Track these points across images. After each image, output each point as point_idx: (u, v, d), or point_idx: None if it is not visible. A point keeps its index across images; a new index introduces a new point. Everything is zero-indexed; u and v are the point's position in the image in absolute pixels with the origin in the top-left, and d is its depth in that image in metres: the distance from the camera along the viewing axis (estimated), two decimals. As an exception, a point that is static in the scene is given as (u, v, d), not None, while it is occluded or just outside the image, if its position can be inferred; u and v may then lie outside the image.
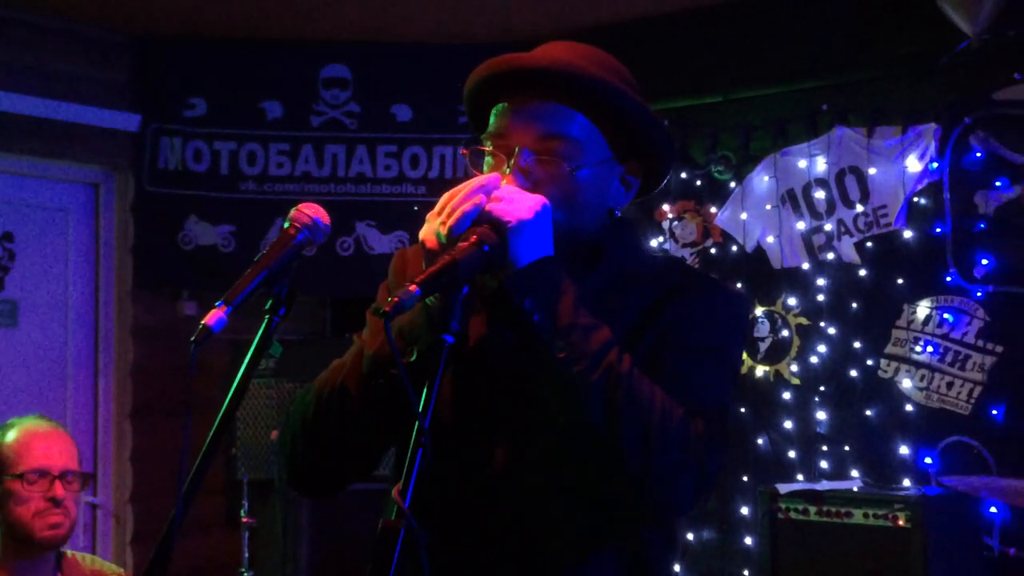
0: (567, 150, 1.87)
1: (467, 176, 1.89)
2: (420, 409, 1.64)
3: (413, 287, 1.62)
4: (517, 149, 1.87)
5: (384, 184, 5.51)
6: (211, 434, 1.74)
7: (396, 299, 1.59)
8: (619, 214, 2.01)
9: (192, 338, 1.68)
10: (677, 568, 4.74)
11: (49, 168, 5.19)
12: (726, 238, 5.01)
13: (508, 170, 1.85)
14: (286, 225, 1.83)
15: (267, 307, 1.81)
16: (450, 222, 1.75)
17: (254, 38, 5.34)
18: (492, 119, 1.93)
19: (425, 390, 1.67)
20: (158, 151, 5.37)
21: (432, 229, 1.78)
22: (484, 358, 1.90)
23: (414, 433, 1.62)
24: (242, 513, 4.73)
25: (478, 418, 1.89)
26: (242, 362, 1.76)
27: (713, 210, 5.03)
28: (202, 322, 1.68)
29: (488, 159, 1.91)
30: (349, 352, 1.94)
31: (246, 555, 4.70)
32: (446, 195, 1.79)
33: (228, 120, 5.42)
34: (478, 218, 1.74)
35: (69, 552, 3.18)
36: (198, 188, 5.39)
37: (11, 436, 3.09)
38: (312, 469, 1.98)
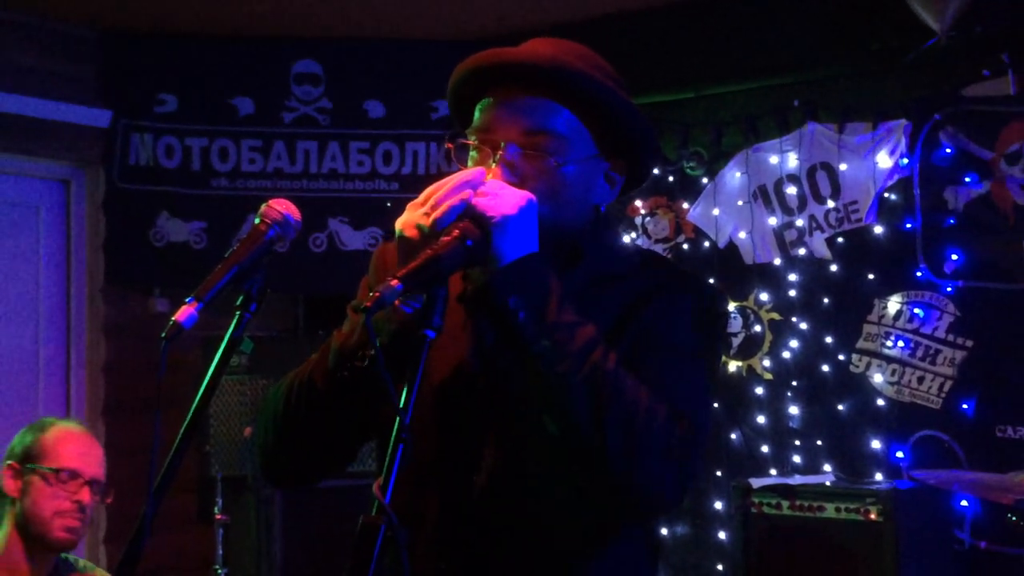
0: (553, 145, 1.85)
1: (441, 172, 1.87)
2: (401, 405, 1.62)
3: (395, 282, 1.60)
4: (503, 143, 1.85)
5: (357, 180, 5.50)
6: (182, 431, 1.74)
7: (377, 294, 1.58)
8: (603, 208, 1.99)
9: (163, 335, 1.68)
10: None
11: (18, 164, 5.16)
12: (698, 234, 5.02)
13: (494, 164, 1.83)
14: (257, 221, 1.83)
15: (238, 303, 1.80)
16: (435, 214, 1.73)
17: (225, 34, 5.32)
18: (477, 113, 1.91)
19: (406, 386, 1.65)
20: (129, 147, 5.34)
21: (413, 220, 1.76)
22: (466, 357, 1.89)
23: (395, 429, 1.60)
24: (216, 510, 4.72)
25: (462, 418, 1.88)
26: (213, 359, 1.76)
27: (685, 206, 5.04)
28: (173, 319, 1.67)
29: (473, 153, 1.90)
30: (322, 347, 1.93)
31: (220, 552, 4.69)
32: (431, 187, 1.78)
33: (199, 116, 5.40)
34: (463, 212, 1.73)
35: (67, 556, 3.15)
36: (169, 184, 5.37)
37: (49, 431, 3.09)
38: (283, 461, 1.98)
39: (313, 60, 5.48)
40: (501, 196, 1.76)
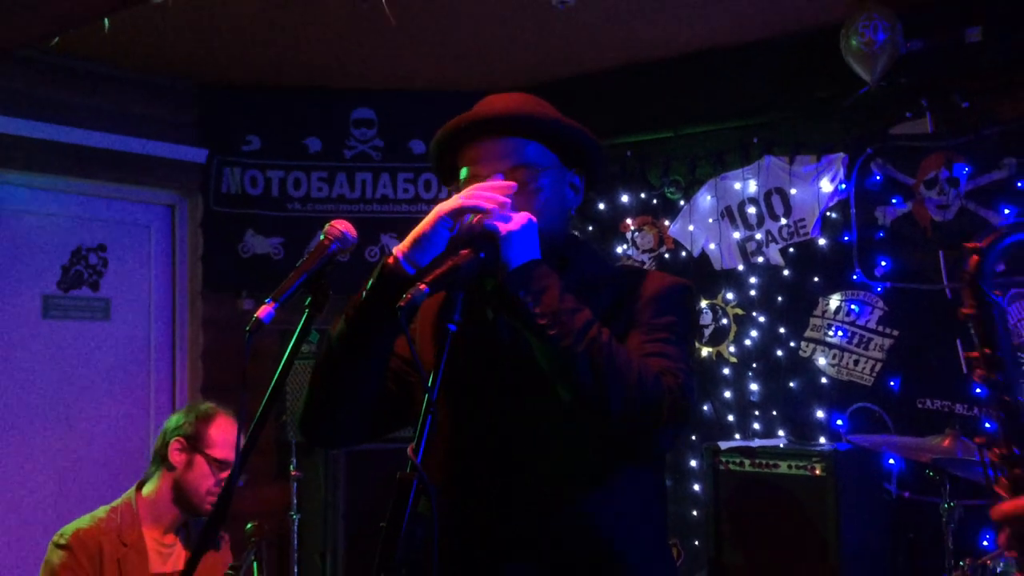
0: (530, 173, 1.92)
1: None
2: (430, 384, 1.64)
3: (423, 286, 1.64)
4: (486, 176, 1.91)
5: (403, 204, 5.51)
6: (263, 404, 1.77)
7: (409, 296, 1.62)
8: (574, 212, 2.04)
9: (247, 328, 1.70)
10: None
11: (134, 192, 5.19)
12: (677, 245, 5.02)
13: None
14: (322, 237, 1.86)
15: (307, 303, 1.83)
16: (434, 218, 1.85)
17: (298, 86, 5.34)
18: (464, 166, 1.95)
19: (433, 370, 1.67)
20: (221, 178, 5.36)
21: (429, 218, 1.86)
22: (495, 339, 1.93)
23: (425, 403, 1.63)
24: (291, 467, 4.74)
25: (492, 386, 1.91)
26: (287, 347, 1.78)
27: (666, 223, 5.04)
28: (255, 315, 1.71)
29: None
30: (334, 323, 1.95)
31: (294, 501, 4.71)
32: (472, 187, 1.85)
33: (278, 153, 5.42)
34: (482, 231, 1.77)
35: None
36: (254, 208, 5.39)
37: (215, 422, 3.07)
38: (312, 421, 1.97)
39: (368, 108, 5.50)
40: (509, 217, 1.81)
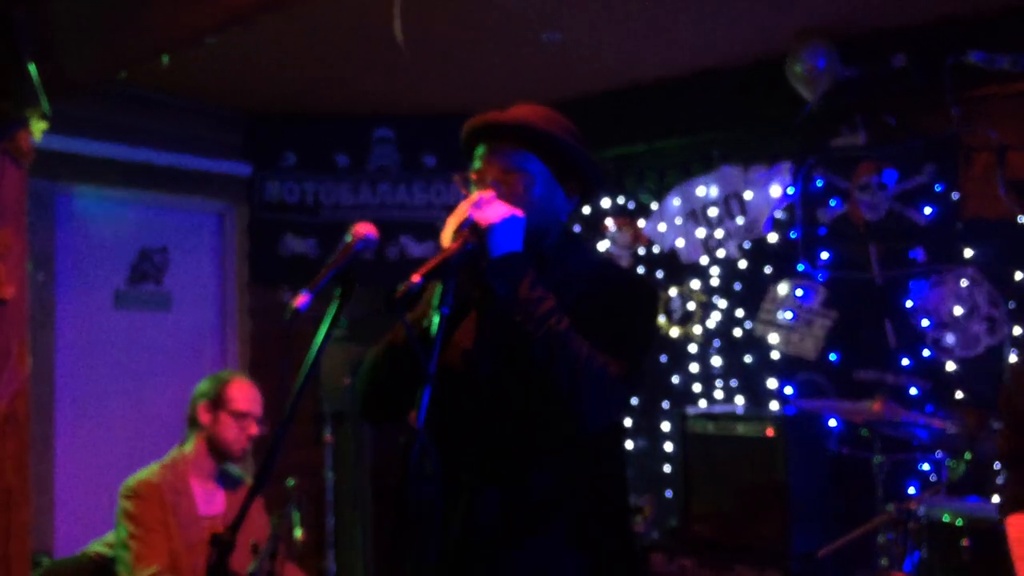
0: (524, 179, 1.91)
1: None
2: (429, 359, 1.63)
3: (416, 277, 1.65)
4: (490, 178, 1.90)
5: (419, 209, 5.52)
6: (301, 380, 1.77)
7: (405, 287, 1.63)
8: (564, 218, 2.00)
9: (286, 316, 1.70)
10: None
11: (191, 202, 5.20)
12: (650, 242, 5.03)
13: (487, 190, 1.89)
14: (348, 238, 1.85)
15: (337, 294, 1.82)
16: (453, 224, 1.80)
17: (328, 110, 5.35)
18: (476, 158, 1.96)
19: (435, 346, 1.67)
20: (264, 189, 5.38)
21: (448, 231, 1.82)
22: (477, 333, 1.92)
23: (425, 376, 1.62)
24: (325, 434, 4.77)
25: (481, 360, 1.91)
26: (320, 332, 1.78)
27: (641, 223, 5.05)
28: (292, 304, 1.70)
29: (473, 185, 1.95)
30: (395, 328, 1.96)
31: (329, 463, 4.74)
32: (458, 207, 1.84)
33: (311, 167, 5.43)
34: (470, 224, 1.77)
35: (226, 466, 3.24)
36: (291, 214, 5.40)
37: (232, 383, 3.17)
38: (372, 403, 1.99)
39: (388, 128, 5.50)
40: (491, 211, 1.80)
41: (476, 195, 1.84)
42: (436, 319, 1.68)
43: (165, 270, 5.14)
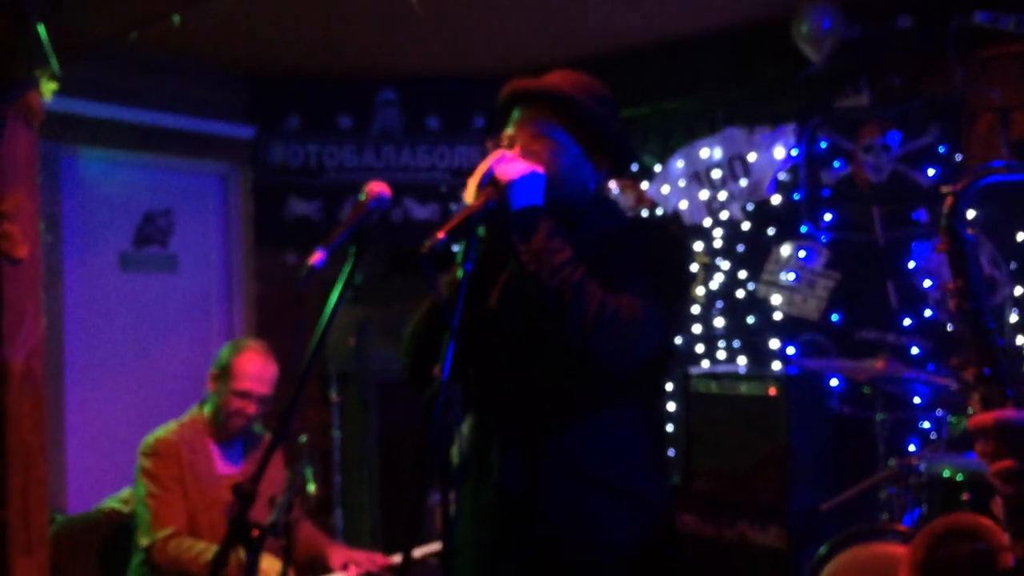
0: (551, 145, 1.92)
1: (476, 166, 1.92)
2: (454, 314, 1.64)
3: (441, 234, 1.64)
4: (519, 143, 1.92)
5: (422, 172, 5.53)
6: (316, 341, 1.79)
7: (431, 243, 1.63)
8: (593, 187, 1.99)
9: (303, 272, 1.70)
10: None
11: (195, 164, 5.21)
12: (653, 204, 5.04)
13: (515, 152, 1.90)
14: (362, 197, 1.85)
15: (351, 252, 1.82)
16: (474, 181, 1.81)
17: (331, 72, 5.34)
18: (511, 122, 1.98)
19: (460, 302, 1.67)
20: (267, 152, 5.38)
21: (471, 187, 1.82)
22: (504, 285, 1.95)
23: (449, 330, 1.63)
24: (332, 394, 4.81)
25: (508, 312, 1.93)
26: (331, 294, 1.78)
27: (644, 185, 5.06)
28: (307, 261, 1.69)
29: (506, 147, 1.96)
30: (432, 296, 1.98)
31: (336, 422, 4.79)
32: (480, 165, 1.84)
33: (314, 130, 5.43)
34: (490, 179, 1.78)
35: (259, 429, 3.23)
36: (295, 177, 5.41)
37: (242, 355, 3.08)
38: (418, 369, 1.99)
39: (391, 90, 5.50)
40: (511, 167, 1.81)
41: (497, 153, 1.85)
42: (460, 275, 1.70)
43: (170, 233, 5.15)
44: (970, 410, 1.46)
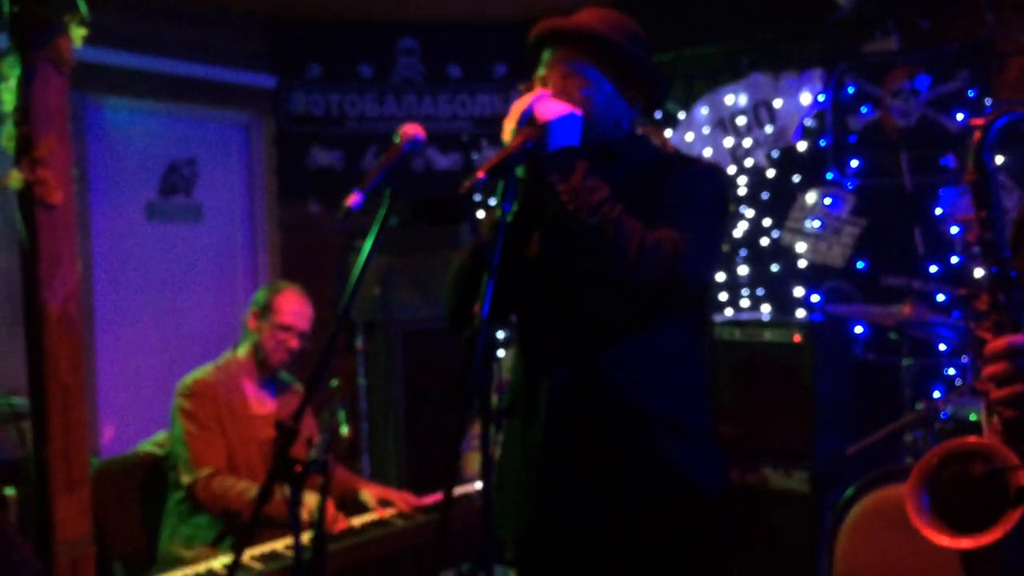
0: (582, 84, 1.91)
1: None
2: (494, 253, 1.64)
3: (481, 174, 1.65)
4: (551, 84, 1.91)
5: (443, 121, 5.52)
6: (350, 289, 1.77)
7: (470, 183, 1.63)
8: (627, 124, 1.99)
9: (340, 214, 1.69)
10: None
11: (217, 114, 5.21)
12: (677, 151, 5.01)
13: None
14: (396, 140, 1.84)
15: (387, 194, 1.81)
16: (511, 121, 1.80)
17: (352, 20, 5.31)
18: (541, 64, 1.97)
19: (499, 242, 1.67)
20: (289, 102, 5.38)
21: (508, 128, 1.82)
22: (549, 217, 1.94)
23: (489, 269, 1.63)
24: (357, 342, 4.85)
25: (550, 252, 1.94)
26: (360, 244, 1.78)
27: (668, 132, 5.02)
28: (345, 203, 1.67)
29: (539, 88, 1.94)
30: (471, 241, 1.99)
31: (361, 369, 4.84)
32: (515, 105, 1.83)
33: (336, 79, 5.42)
34: (529, 118, 1.78)
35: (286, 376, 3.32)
36: (317, 126, 5.41)
37: (281, 294, 3.21)
38: (459, 312, 1.99)
39: (412, 38, 5.47)
40: (550, 107, 1.81)
41: (531, 94, 1.85)
42: (499, 214, 1.70)
43: (194, 182, 5.17)
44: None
